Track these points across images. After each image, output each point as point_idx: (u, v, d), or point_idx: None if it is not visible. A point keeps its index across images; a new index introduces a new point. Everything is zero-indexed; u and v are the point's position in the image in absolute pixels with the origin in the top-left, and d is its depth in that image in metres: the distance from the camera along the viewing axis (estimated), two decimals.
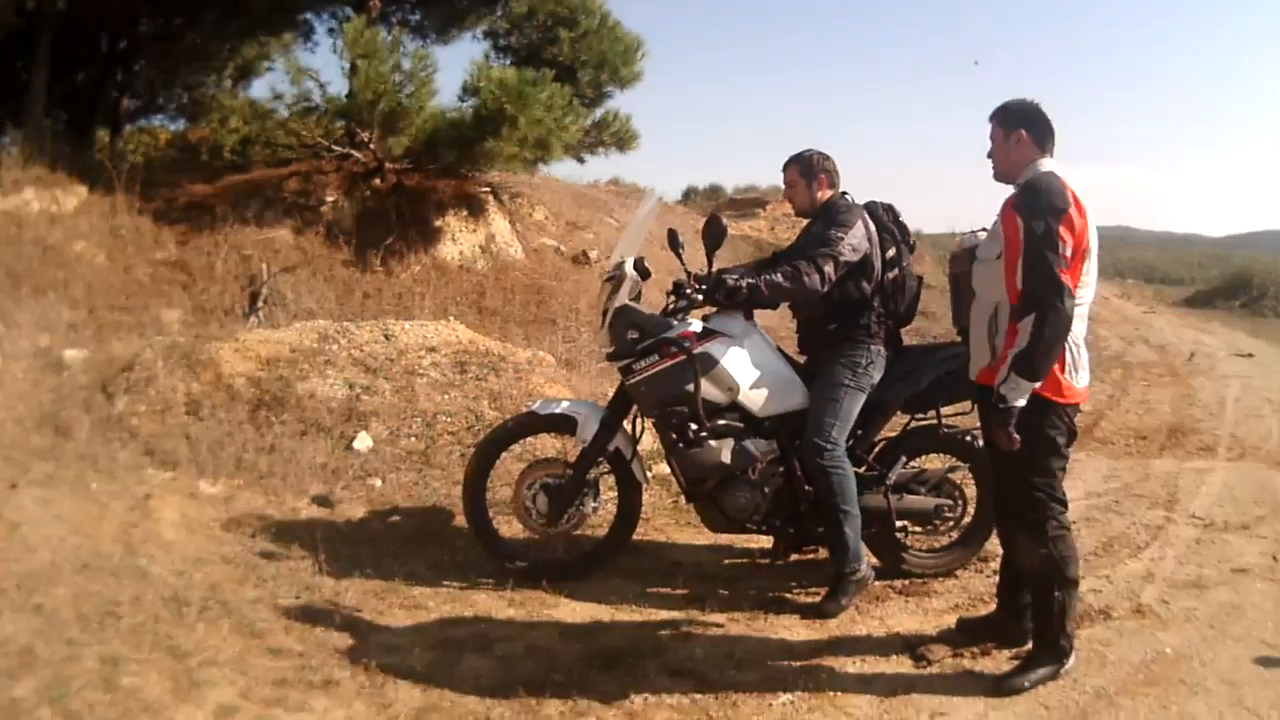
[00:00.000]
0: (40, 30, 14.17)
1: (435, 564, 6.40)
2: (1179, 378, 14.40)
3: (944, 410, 6.31)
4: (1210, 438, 10.56)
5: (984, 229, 5.29)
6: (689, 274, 6.12)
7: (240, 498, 7.01)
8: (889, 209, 6.31)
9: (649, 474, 6.97)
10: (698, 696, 4.85)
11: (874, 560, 6.32)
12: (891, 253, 6.13)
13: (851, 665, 5.22)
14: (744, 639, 5.53)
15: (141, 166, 14.41)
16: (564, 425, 6.34)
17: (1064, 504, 4.96)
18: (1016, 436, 4.64)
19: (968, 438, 6.26)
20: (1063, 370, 4.77)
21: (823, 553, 6.17)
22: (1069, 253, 4.65)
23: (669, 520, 7.49)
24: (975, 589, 6.26)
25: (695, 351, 5.90)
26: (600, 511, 6.52)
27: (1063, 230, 4.63)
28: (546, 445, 7.59)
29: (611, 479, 6.49)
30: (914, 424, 6.45)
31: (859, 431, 6.11)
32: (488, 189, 15.92)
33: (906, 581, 6.36)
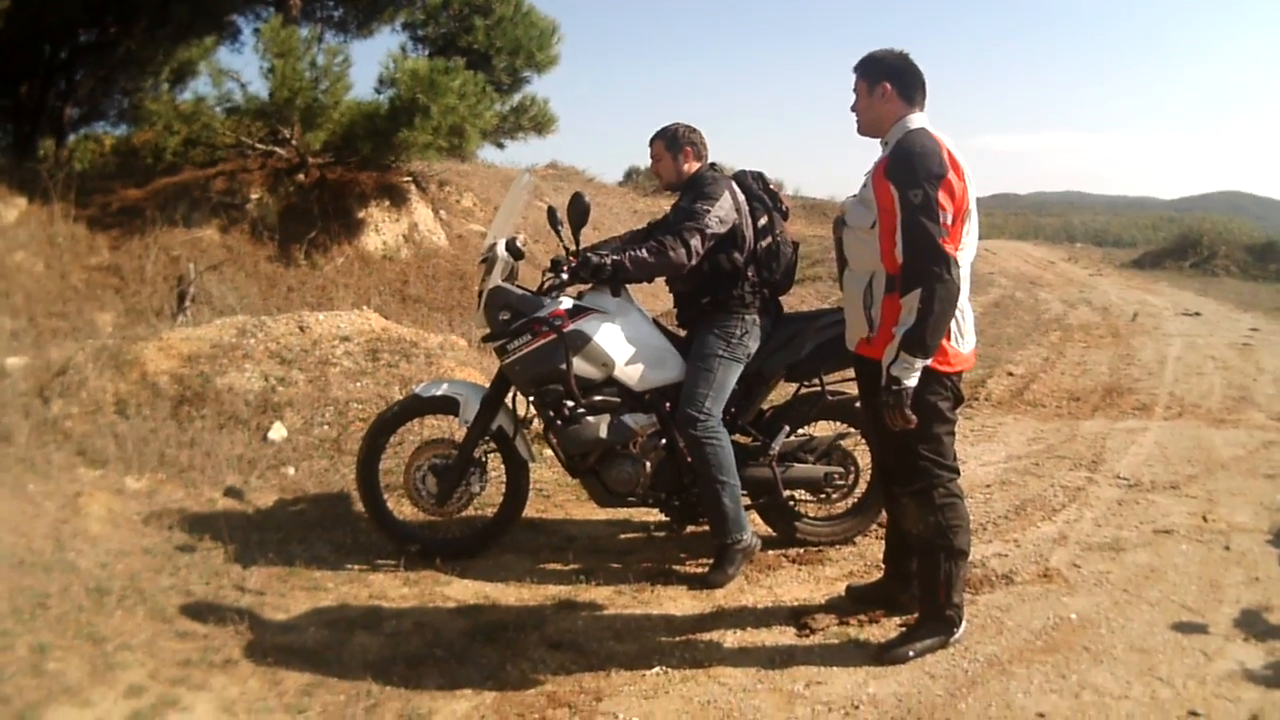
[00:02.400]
0: None
1: (339, 547, 6.59)
2: (1120, 338, 14.29)
3: (832, 376, 6.23)
4: (1147, 397, 10.58)
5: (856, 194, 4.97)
6: (567, 251, 6.06)
7: (162, 491, 7.23)
8: (758, 177, 6.28)
9: (538, 452, 7.18)
10: (573, 668, 4.94)
11: (768, 530, 6.45)
12: (763, 221, 6.10)
13: (733, 635, 5.24)
14: (627, 612, 5.61)
15: (78, 175, 14.54)
16: (446, 406, 6.36)
17: (954, 470, 4.81)
18: (913, 416, 4.48)
19: (855, 404, 6.09)
20: (948, 339, 4.60)
21: None
22: (950, 219, 4.44)
23: (569, 497, 7.65)
24: (871, 556, 6.21)
25: (566, 330, 5.91)
26: (490, 490, 6.63)
27: (942, 196, 4.41)
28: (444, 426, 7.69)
29: (499, 458, 6.52)
30: (801, 392, 6.40)
31: (741, 402, 6.13)
32: (409, 179, 16.11)
33: (801, 550, 6.36)
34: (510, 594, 5.93)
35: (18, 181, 13.02)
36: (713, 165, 6.29)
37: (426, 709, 4.64)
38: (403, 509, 6.82)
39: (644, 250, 5.84)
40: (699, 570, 6.14)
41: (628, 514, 7.09)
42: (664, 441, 6.13)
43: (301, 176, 15.03)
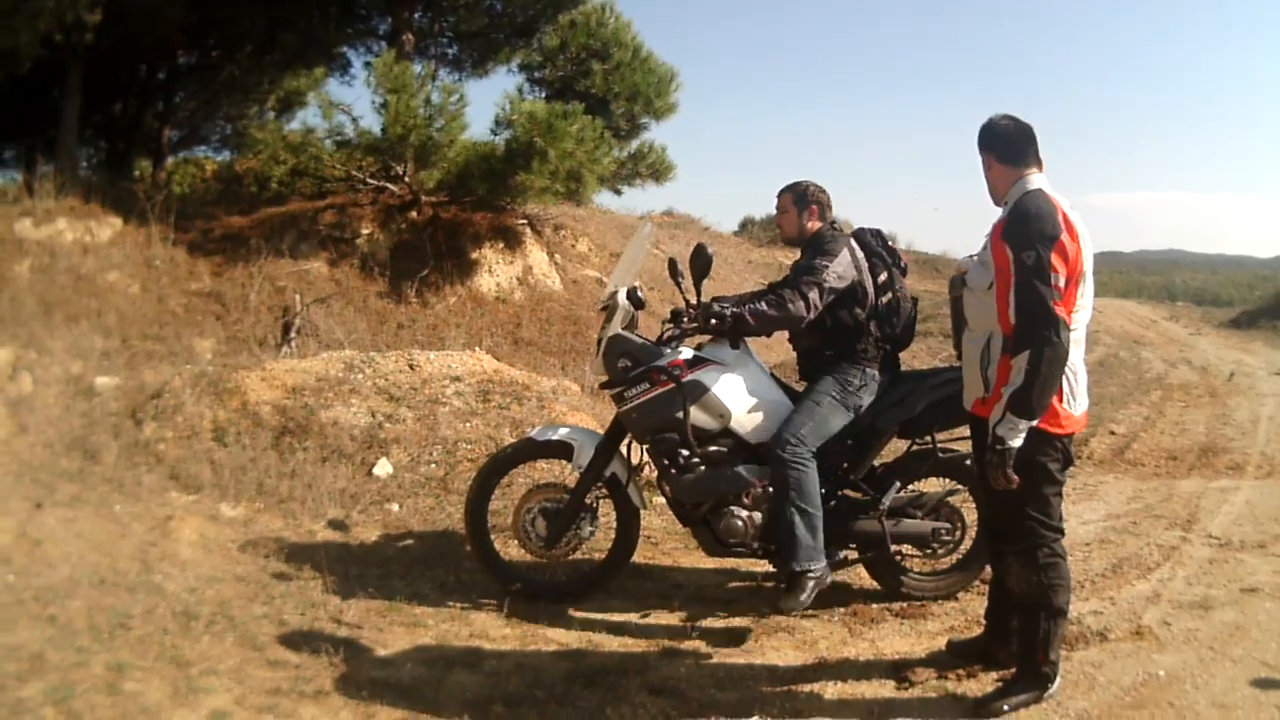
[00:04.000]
0: (70, 61, 14.42)
1: (440, 585, 6.58)
2: (1217, 397, 14.32)
3: (943, 434, 6.28)
4: (1240, 456, 10.54)
5: (977, 254, 5.10)
6: (687, 303, 6.17)
7: (259, 520, 7.23)
8: (877, 234, 6.44)
9: (650, 499, 7.16)
10: (673, 714, 4.91)
11: (872, 584, 6.55)
12: (884, 277, 6.21)
13: (833, 687, 5.23)
14: (730, 660, 5.59)
15: (177, 198, 14.70)
16: (560, 451, 6.44)
17: (1059, 530, 4.85)
18: (1015, 477, 4.54)
19: (966, 461, 6.22)
20: (1060, 400, 4.64)
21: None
22: (1062, 282, 4.50)
23: (677, 544, 7.59)
24: (973, 611, 6.23)
25: (684, 379, 6.00)
26: (599, 535, 6.61)
27: (1055, 259, 4.48)
28: (557, 470, 7.66)
29: (610, 503, 6.55)
30: (913, 449, 6.44)
31: (854, 456, 6.19)
32: (525, 221, 16.12)
33: (904, 605, 6.37)
34: (614, 639, 5.93)
35: (112, 200, 13.16)
36: (833, 224, 6.42)
37: None
38: (509, 550, 6.79)
39: (764, 303, 5.99)
40: (804, 621, 6.17)
41: (735, 564, 7.06)
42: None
43: (414, 214, 15.08)
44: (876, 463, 6.45)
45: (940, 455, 6.33)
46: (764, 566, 6.78)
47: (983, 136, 4.95)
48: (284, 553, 6.73)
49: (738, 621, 6.19)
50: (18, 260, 10.99)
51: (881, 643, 5.84)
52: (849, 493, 6.27)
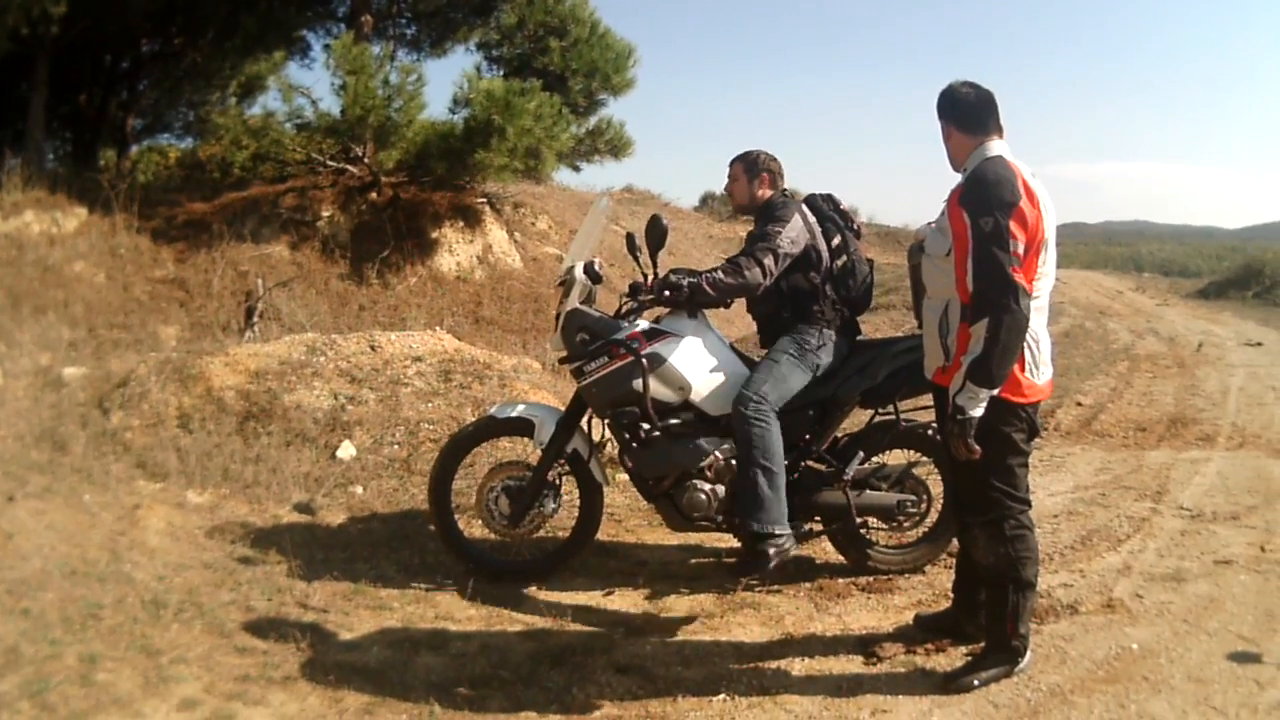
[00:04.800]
0: (37, 54, 14.33)
1: (405, 567, 6.61)
2: (1185, 368, 14.21)
3: (907, 404, 6.28)
4: (1210, 427, 10.47)
5: (935, 222, 5.05)
6: (645, 276, 6.21)
7: (225, 506, 7.25)
8: (829, 198, 6.44)
9: (612, 476, 7.21)
10: (639, 693, 4.92)
11: (839, 558, 6.53)
12: (837, 240, 6.23)
13: (800, 663, 5.22)
14: (696, 638, 5.60)
15: (141, 186, 14.63)
16: (521, 428, 6.45)
17: (1026, 502, 4.82)
18: (976, 447, 4.52)
19: (929, 431, 6.20)
20: (1022, 369, 4.62)
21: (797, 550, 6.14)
22: (1021, 249, 4.46)
23: (641, 521, 7.60)
24: (940, 585, 6.21)
25: (643, 352, 5.97)
26: (562, 513, 6.63)
27: (1013, 225, 4.44)
28: (519, 448, 7.75)
29: (573, 481, 6.55)
30: (875, 419, 6.41)
31: (816, 428, 6.17)
32: (484, 200, 16.15)
33: (871, 579, 6.37)
34: (579, 618, 5.93)
35: (77, 191, 13.13)
36: (784, 191, 6.43)
37: None
38: (472, 529, 6.83)
39: (720, 271, 5.99)
40: (772, 597, 6.17)
41: (700, 540, 7.08)
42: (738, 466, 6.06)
43: (374, 195, 15.12)
44: (840, 434, 6.44)
45: (903, 425, 6.31)
46: (729, 541, 6.83)
47: (942, 104, 4.91)
48: (250, 538, 6.76)
49: (702, 598, 6.19)
50: None
51: (848, 617, 5.85)
52: (812, 464, 6.22)
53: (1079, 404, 11.79)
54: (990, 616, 5.01)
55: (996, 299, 4.42)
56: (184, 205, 14.44)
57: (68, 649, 4.92)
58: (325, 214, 14.62)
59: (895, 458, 6.63)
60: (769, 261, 5.94)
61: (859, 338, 6.42)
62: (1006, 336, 4.41)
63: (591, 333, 6.18)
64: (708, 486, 6.07)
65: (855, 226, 6.44)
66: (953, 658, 5.21)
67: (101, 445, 7.99)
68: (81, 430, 8.11)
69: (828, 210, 6.38)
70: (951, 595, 5.61)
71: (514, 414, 6.47)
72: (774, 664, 5.25)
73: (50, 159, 17.21)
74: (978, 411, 4.51)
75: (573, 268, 6.37)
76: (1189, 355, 15.40)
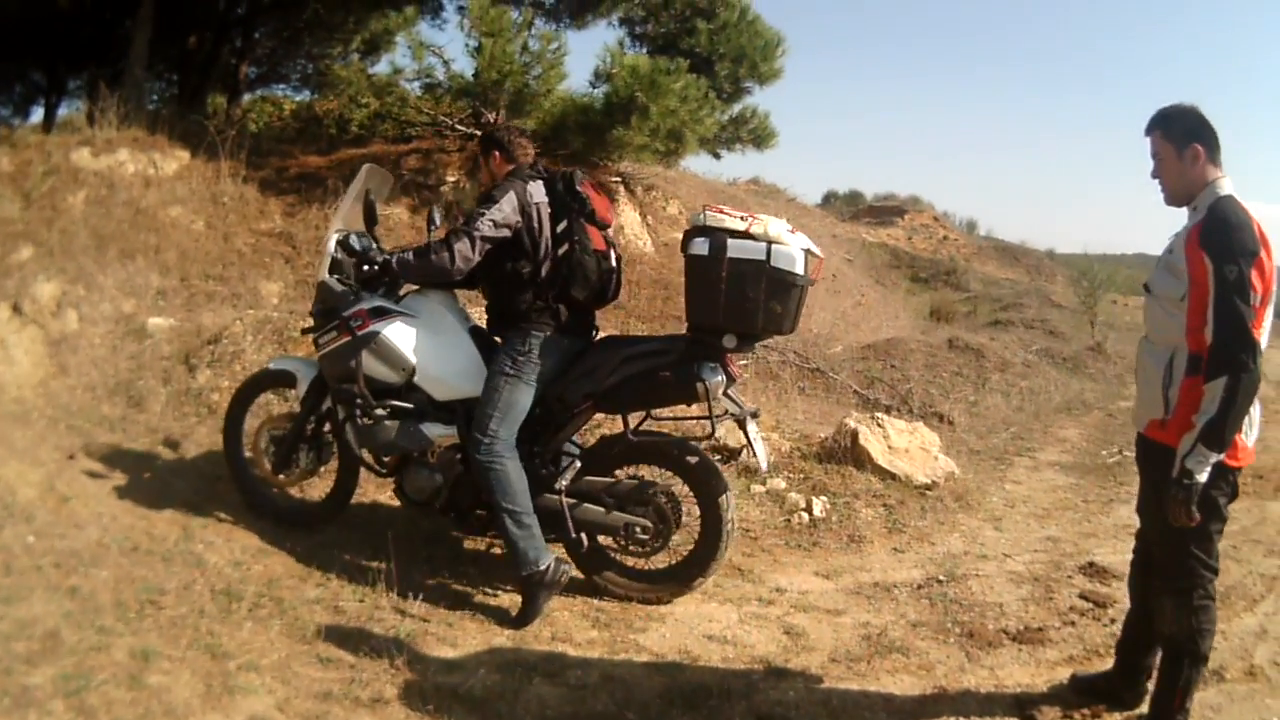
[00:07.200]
0: None
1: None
2: None
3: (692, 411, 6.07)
4: None
5: (711, 207, 5.34)
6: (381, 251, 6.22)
7: (318, 486, 6.84)
8: (565, 177, 5.97)
9: None
10: None
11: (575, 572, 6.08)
12: (563, 226, 5.86)
13: None
14: (842, 685, 5.21)
15: (251, 135, 14.29)
16: (286, 381, 6.63)
17: (1215, 571, 4.64)
18: (1198, 515, 4.29)
19: (671, 448, 5.97)
20: (1239, 432, 4.42)
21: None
22: (1258, 301, 4.25)
23: (777, 540, 7.15)
24: (1091, 639, 5.94)
25: (360, 331, 5.95)
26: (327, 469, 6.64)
27: (1254, 276, 4.23)
28: None
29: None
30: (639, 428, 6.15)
31: (536, 428, 5.99)
32: (618, 179, 15.87)
33: (1021, 627, 6.04)
34: (713, 651, 5.49)
35: (180, 133, 12.70)
36: (533, 166, 6.12)
37: None
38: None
39: (411, 253, 5.93)
40: (919, 641, 5.81)
41: (840, 567, 6.80)
42: (460, 456, 6.04)
43: None
44: (578, 440, 6.35)
45: (631, 439, 5.97)
46: (869, 573, 6.65)
47: (1181, 125, 4.55)
48: (344, 525, 6.43)
49: (845, 637, 5.77)
50: (72, 191, 10.57)
51: (1001, 671, 5.52)
52: (536, 465, 6.01)
53: None
54: (1161, 688, 4.80)
55: (1236, 357, 4.22)
56: (297, 158, 14.09)
57: (117, 640, 4.48)
58: (450, 179, 14.23)
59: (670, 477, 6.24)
60: (461, 247, 5.70)
61: (601, 336, 6.26)
62: (1243, 399, 4.24)
63: (329, 306, 6.23)
64: (430, 471, 6.06)
65: (591, 210, 5.98)
66: None
67: (183, 405, 7.65)
68: (162, 387, 7.76)
69: (561, 191, 5.97)
70: (1115, 656, 5.34)
71: (280, 367, 6.68)
72: None
73: (154, 100, 17.06)
74: (1204, 476, 4.29)
75: (326, 238, 6.43)
76: None
